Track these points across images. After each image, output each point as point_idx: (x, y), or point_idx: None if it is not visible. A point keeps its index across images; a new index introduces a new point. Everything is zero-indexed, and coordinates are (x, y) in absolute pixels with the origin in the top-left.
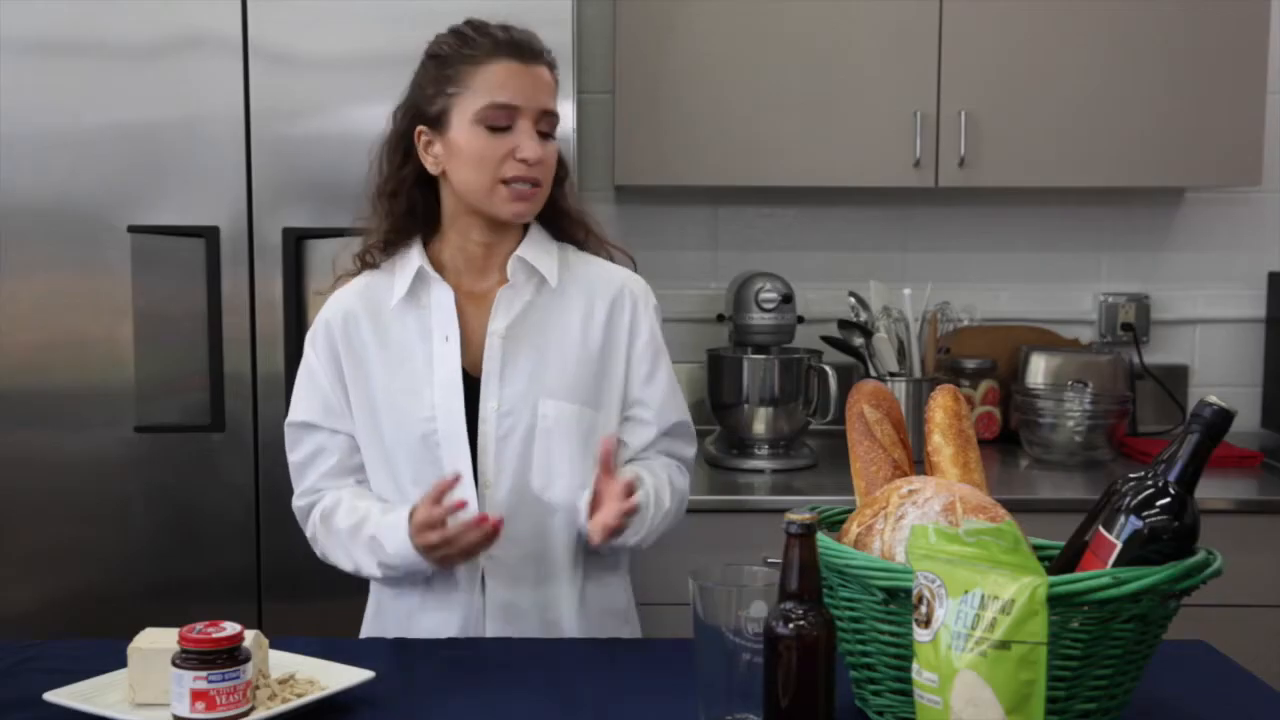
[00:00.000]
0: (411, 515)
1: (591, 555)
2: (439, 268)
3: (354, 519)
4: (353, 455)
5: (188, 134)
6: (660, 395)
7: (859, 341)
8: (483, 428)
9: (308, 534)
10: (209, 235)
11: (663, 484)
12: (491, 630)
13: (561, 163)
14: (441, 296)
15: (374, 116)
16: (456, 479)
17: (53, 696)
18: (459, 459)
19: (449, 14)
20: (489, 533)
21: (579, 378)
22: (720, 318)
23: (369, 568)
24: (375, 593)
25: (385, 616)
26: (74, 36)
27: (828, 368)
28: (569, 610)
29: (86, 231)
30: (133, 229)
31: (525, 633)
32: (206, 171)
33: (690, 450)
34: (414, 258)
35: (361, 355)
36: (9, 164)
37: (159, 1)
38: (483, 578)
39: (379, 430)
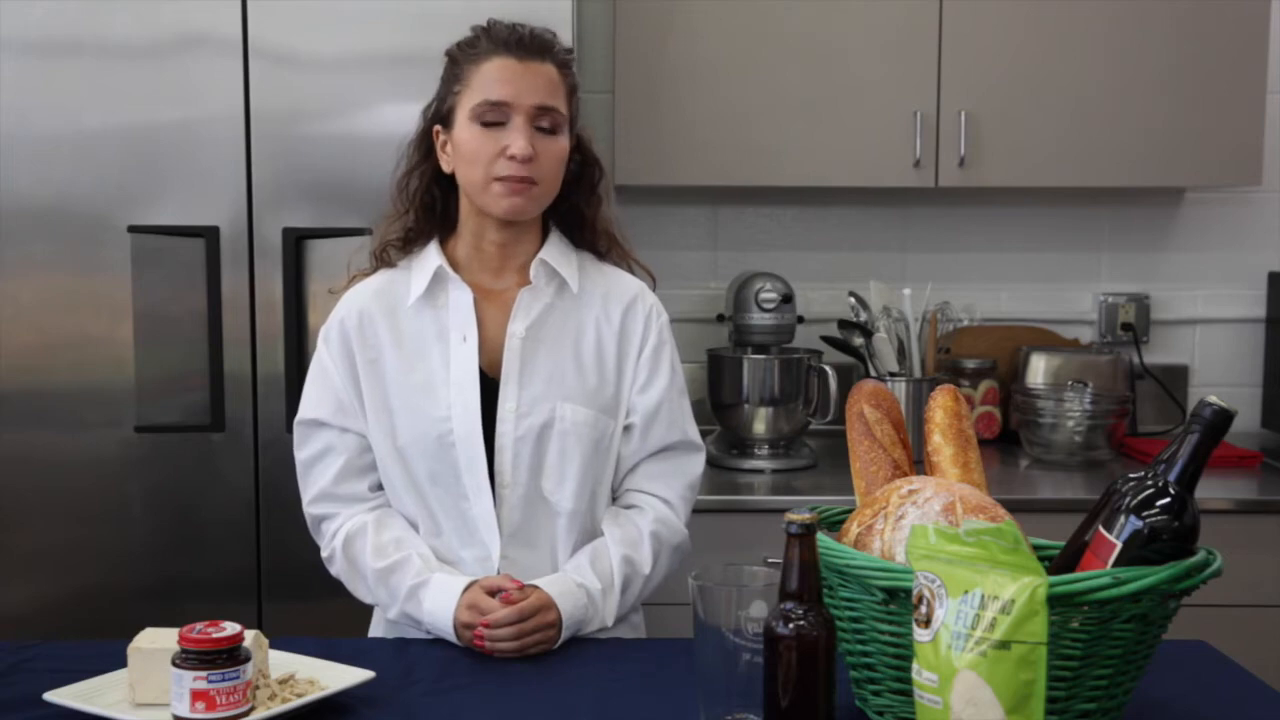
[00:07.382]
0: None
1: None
2: (455, 267)
3: (386, 561)
4: (362, 455)
5: (188, 134)
6: (650, 405)
7: (859, 341)
8: (501, 428)
9: (323, 551)
10: (209, 235)
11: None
12: None
13: (592, 165)
14: (459, 297)
15: (374, 116)
16: (520, 588)
17: (53, 696)
18: (475, 460)
19: (448, 14)
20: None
21: (598, 385)
22: (720, 318)
23: (391, 612)
24: None
25: None
26: (74, 36)
27: (828, 368)
28: None
29: (86, 231)
30: (133, 229)
31: None
32: (206, 171)
33: (690, 472)
34: (432, 256)
35: (376, 354)
36: (9, 164)
37: (159, 1)
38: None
39: (393, 429)
